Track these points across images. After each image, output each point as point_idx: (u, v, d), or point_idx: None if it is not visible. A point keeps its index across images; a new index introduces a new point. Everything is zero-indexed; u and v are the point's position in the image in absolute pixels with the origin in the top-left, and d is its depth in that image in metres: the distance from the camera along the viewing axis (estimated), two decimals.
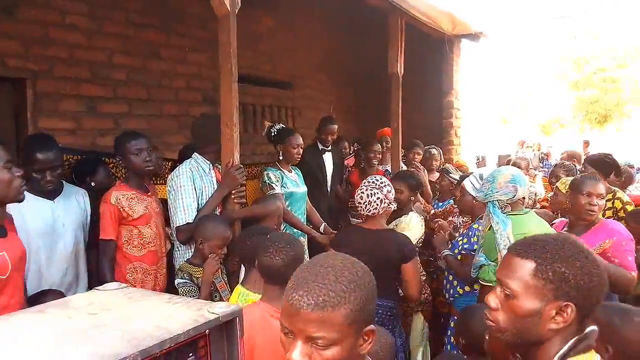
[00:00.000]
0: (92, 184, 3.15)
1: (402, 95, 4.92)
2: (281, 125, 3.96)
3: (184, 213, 2.65)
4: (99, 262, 2.61)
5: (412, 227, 3.34)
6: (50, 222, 2.49)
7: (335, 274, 0.98)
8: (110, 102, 3.91)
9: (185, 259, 2.65)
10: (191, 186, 2.69)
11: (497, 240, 2.46)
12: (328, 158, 4.59)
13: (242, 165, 2.81)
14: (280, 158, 3.70)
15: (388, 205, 2.74)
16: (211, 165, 2.89)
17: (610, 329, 1.69)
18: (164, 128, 4.29)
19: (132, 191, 2.67)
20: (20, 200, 1.89)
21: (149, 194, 2.77)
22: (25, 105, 3.44)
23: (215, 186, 2.82)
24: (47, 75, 3.50)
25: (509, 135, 11.27)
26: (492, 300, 1.20)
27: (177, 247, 2.82)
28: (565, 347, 1.12)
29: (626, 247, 2.54)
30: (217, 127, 2.78)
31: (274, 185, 3.50)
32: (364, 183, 2.77)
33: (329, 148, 4.59)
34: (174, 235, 2.77)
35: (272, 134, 3.85)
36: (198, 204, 2.72)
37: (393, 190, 2.80)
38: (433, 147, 5.76)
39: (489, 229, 2.58)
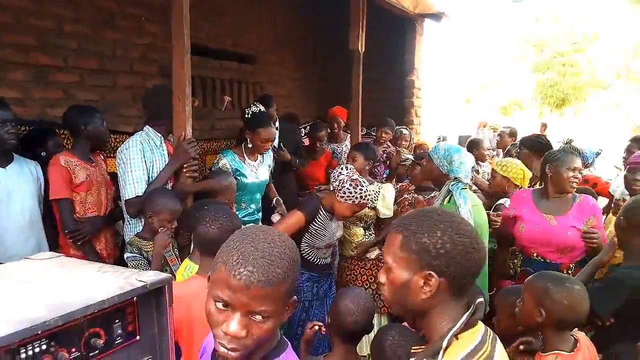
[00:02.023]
0: (43, 153, 3.07)
1: (366, 75, 4.94)
2: (260, 107, 3.49)
3: (133, 186, 2.62)
4: (64, 220, 2.67)
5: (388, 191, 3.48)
6: (2, 189, 2.48)
7: (278, 250, 1.00)
8: (61, 71, 3.78)
9: (135, 233, 2.64)
10: (141, 159, 2.65)
11: (460, 214, 2.58)
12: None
13: (194, 139, 2.79)
14: (249, 145, 3.37)
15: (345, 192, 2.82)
16: (163, 138, 2.85)
17: (545, 294, 1.80)
18: (118, 100, 4.19)
19: (75, 159, 2.74)
20: None
21: (92, 164, 2.82)
22: None
23: (167, 160, 2.79)
24: None
25: (471, 115, 11.48)
26: (381, 275, 1.25)
27: (127, 221, 2.79)
28: (458, 325, 1.13)
29: (601, 222, 2.78)
30: (169, 100, 2.74)
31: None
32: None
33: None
34: (124, 208, 2.74)
35: (247, 114, 3.45)
36: (149, 178, 2.68)
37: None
38: (404, 127, 5.86)
39: (448, 203, 2.70)
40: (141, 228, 2.67)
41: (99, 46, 4.02)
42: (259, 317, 0.97)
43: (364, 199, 2.81)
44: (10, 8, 3.44)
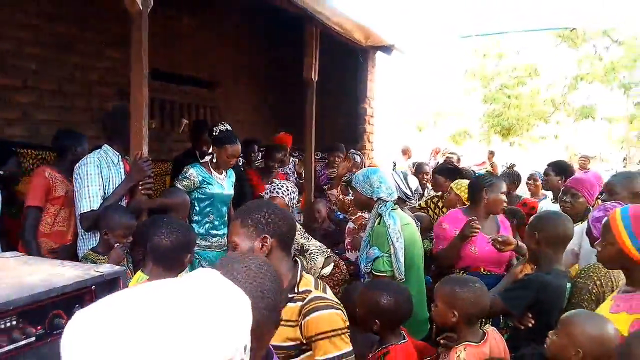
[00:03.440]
0: (1, 172, 3.15)
1: (320, 102, 5.23)
2: (227, 127, 3.67)
3: (88, 200, 2.74)
4: (26, 227, 2.87)
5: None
6: None
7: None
8: (19, 92, 3.87)
9: (89, 248, 2.74)
10: (98, 175, 2.78)
11: (390, 234, 2.81)
12: None
13: (149, 158, 2.95)
14: (214, 160, 3.58)
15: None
16: (120, 156, 2.99)
17: (453, 296, 2.07)
18: (76, 121, 4.29)
19: (59, 175, 3.07)
20: None
21: (71, 183, 2.97)
22: None
23: (124, 177, 2.93)
24: None
25: (423, 143, 12.01)
26: (229, 252, 1.78)
27: (81, 236, 2.89)
28: (301, 266, 1.77)
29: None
30: (127, 120, 2.90)
31: (183, 181, 3.45)
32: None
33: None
34: (78, 222, 2.84)
35: (214, 133, 3.62)
36: (104, 193, 2.81)
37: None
38: (357, 154, 6.14)
39: (378, 224, 2.93)
40: (94, 242, 2.79)
41: (58, 69, 4.14)
42: None
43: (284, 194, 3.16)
44: None
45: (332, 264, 3.78)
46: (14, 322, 1.05)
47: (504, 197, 3.10)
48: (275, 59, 7.05)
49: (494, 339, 2.16)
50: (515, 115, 12.51)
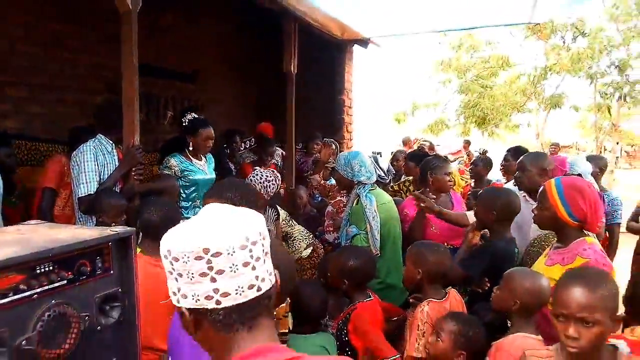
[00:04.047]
0: None
1: (300, 94, 5.49)
2: (194, 115, 3.97)
3: (86, 185, 2.98)
4: (42, 207, 3.22)
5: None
6: None
7: None
8: (12, 86, 4.06)
9: None
10: (94, 162, 3.02)
11: (367, 214, 3.11)
12: None
13: (141, 146, 3.19)
14: (190, 149, 3.77)
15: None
16: (114, 145, 3.23)
17: (419, 256, 2.38)
18: (67, 114, 4.49)
19: None
20: None
21: None
22: None
23: (117, 164, 3.18)
24: None
25: (401, 133, 12.37)
26: None
27: (78, 219, 3.13)
28: None
29: None
30: (120, 112, 3.14)
31: (164, 170, 3.75)
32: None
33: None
34: (76, 205, 3.09)
35: (184, 123, 3.88)
36: (100, 179, 3.06)
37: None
38: (331, 141, 6.44)
39: (356, 204, 3.22)
40: (91, 224, 3.03)
41: (48, 64, 4.33)
42: None
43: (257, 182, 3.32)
44: None
45: (312, 248, 4.09)
46: (50, 268, 1.31)
47: (447, 177, 3.44)
48: (255, 53, 7.27)
49: (455, 298, 2.49)
50: (490, 105, 12.92)
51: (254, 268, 0.95)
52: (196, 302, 0.94)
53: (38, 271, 1.29)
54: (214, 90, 6.83)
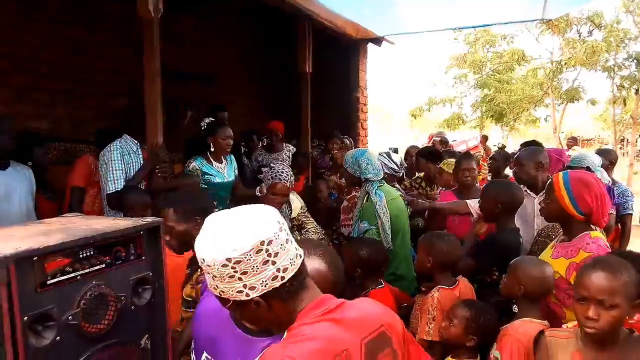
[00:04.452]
0: (29, 163, 3.57)
1: (316, 93, 5.64)
2: (210, 118, 4.11)
3: (114, 183, 3.17)
4: (72, 204, 3.41)
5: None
6: (5, 187, 3.01)
7: None
8: (37, 91, 4.30)
9: None
10: (120, 160, 3.21)
11: (377, 210, 3.23)
12: None
13: (164, 146, 3.38)
14: (212, 150, 3.87)
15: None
16: (139, 145, 3.41)
17: (431, 245, 2.52)
18: (87, 117, 4.72)
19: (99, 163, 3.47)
20: None
21: None
22: None
23: (142, 163, 3.36)
24: None
25: (418, 129, 12.41)
26: None
27: (106, 213, 3.33)
28: None
29: None
30: (139, 114, 3.33)
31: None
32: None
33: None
34: (105, 202, 3.28)
35: (203, 127, 4.00)
36: (127, 177, 3.24)
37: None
38: (346, 137, 6.58)
39: (367, 201, 3.35)
40: None
41: (69, 70, 4.55)
42: None
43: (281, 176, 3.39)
44: None
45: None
46: (91, 252, 1.48)
47: (466, 172, 3.67)
48: (271, 53, 7.43)
49: (464, 286, 2.60)
50: (507, 100, 12.88)
51: (291, 242, 1.18)
52: (265, 286, 1.13)
53: (81, 256, 1.45)
54: (232, 92, 7.00)
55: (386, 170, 3.90)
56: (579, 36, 11.85)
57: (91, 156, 3.70)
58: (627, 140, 16.89)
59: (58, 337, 1.37)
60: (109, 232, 1.53)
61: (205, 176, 3.84)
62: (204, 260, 1.13)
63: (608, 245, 2.34)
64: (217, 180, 3.91)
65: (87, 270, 1.46)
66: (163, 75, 3.34)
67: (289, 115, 6.40)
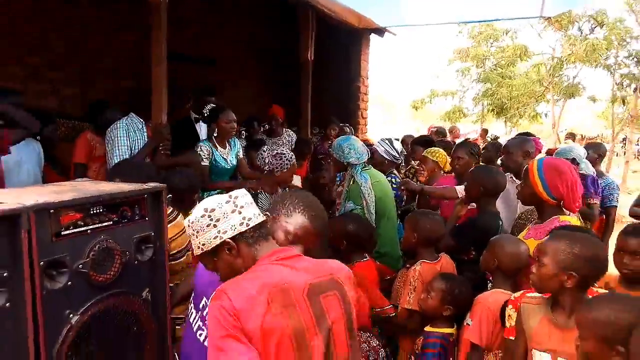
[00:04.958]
0: (37, 138, 3.74)
1: (317, 81, 5.77)
2: (212, 104, 4.20)
3: (119, 158, 3.33)
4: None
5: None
6: (16, 158, 3.18)
7: None
8: (51, 70, 4.47)
9: None
10: (126, 137, 3.37)
11: (362, 191, 3.40)
12: None
13: (168, 124, 3.54)
14: (215, 135, 3.96)
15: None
16: (144, 123, 3.58)
17: (415, 222, 2.70)
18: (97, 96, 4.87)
19: (99, 137, 3.71)
20: None
21: None
22: None
23: (146, 140, 3.53)
24: None
25: (418, 120, 12.55)
26: None
27: None
28: None
29: None
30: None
31: (203, 157, 3.93)
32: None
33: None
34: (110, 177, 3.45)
35: (205, 114, 4.13)
36: (132, 153, 3.41)
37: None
38: (346, 125, 6.74)
39: (353, 184, 3.51)
40: None
41: (80, 52, 4.71)
42: None
43: (291, 162, 3.47)
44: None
45: None
46: (101, 210, 1.65)
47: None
48: (273, 40, 7.55)
49: (446, 262, 2.78)
50: (508, 94, 12.99)
51: (254, 205, 1.56)
52: (234, 230, 1.47)
53: (92, 212, 1.63)
54: (233, 77, 7.14)
55: (386, 157, 4.05)
56: (581, 33, 11.94)
57: (90, 132, 3.79)
58: (629, 139, 16.96)
59: (70, 282, 1.55)
60: (117, 193, 1.70)
61: (210, 159, 3.96)
62: (190, 221, 1.49)
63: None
64: (220, 164, 4.03)
65: (97, 226, 1.64)
66: (168, 58, 3.49)
67: (289, 102, 6.55)
